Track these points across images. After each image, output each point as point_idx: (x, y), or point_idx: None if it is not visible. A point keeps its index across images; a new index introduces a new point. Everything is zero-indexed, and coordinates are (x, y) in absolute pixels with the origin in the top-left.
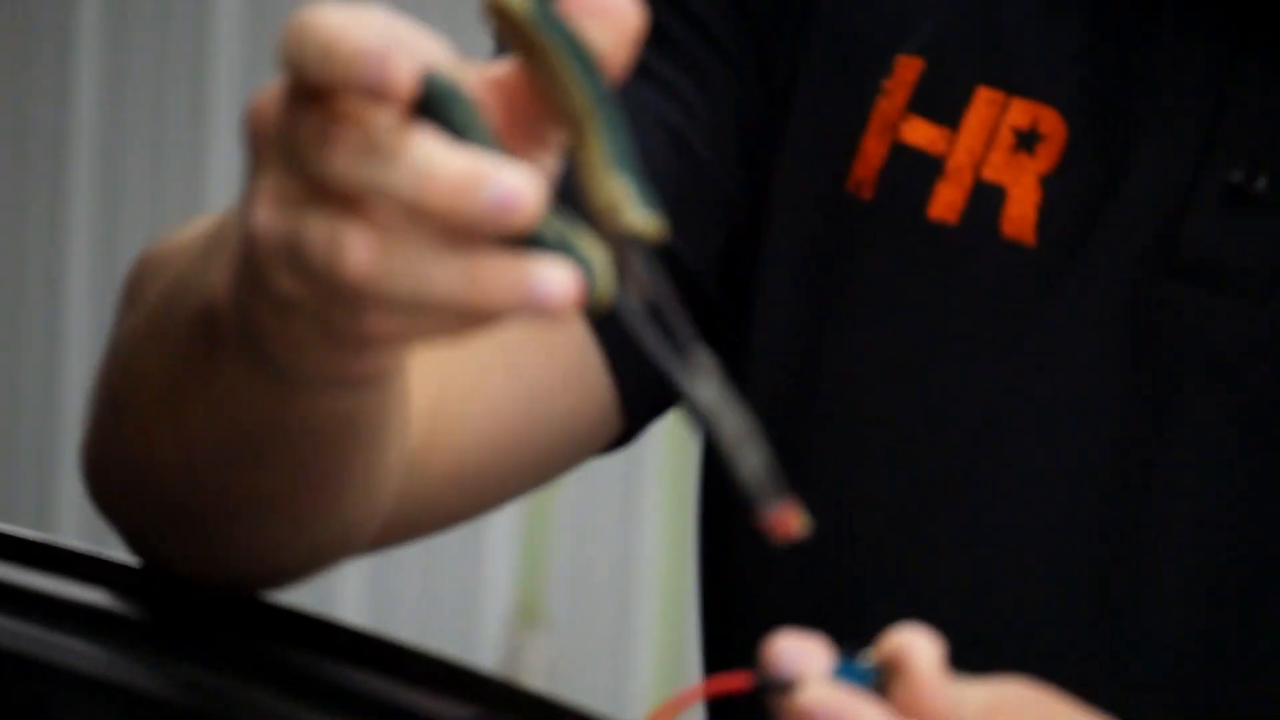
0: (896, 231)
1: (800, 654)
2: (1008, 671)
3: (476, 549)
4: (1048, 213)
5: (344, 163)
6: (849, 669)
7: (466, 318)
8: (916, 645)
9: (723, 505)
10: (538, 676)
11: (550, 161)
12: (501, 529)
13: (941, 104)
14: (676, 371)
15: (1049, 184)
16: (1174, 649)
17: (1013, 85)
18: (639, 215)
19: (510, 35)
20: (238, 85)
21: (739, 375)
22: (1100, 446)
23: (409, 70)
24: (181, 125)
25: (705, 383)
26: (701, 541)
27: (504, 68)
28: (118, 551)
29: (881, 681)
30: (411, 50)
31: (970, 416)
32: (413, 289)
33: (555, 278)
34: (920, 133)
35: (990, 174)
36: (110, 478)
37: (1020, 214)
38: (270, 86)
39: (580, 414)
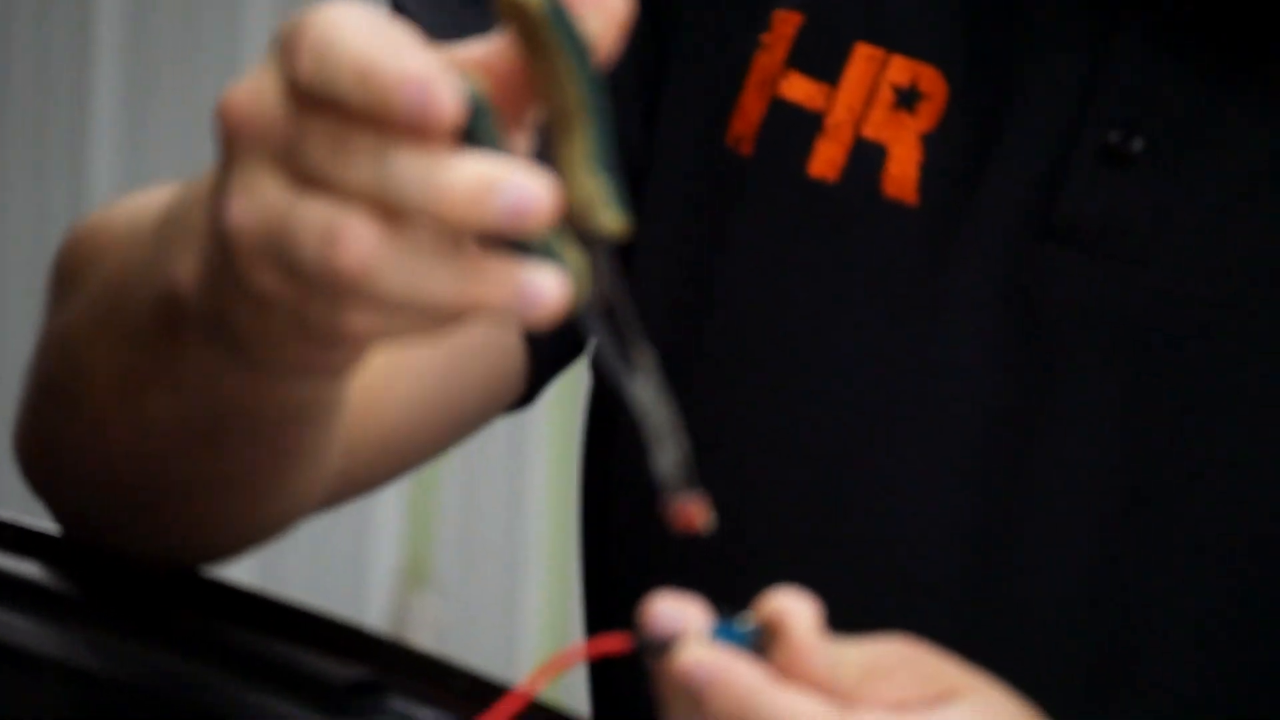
0: (777, 189)
1: (678, 615)
2: (894, 628)
3: (364, 509)
4: (929, 172)
5: (356, 168)
6: (727, 631)
7: (448, 318)
8: (794, 608)
9: (605, 469)
10: (426, 636)
11: (525, 143)
12: (388, 489)
13: (820, 60)
14: (620, 368)
15: (930, 143)
16: (1058, 605)
17: (892, 42)
18: (610, 214)
19: (514, 21)
20: (120, 72)
21: None
22: (985, 408)
23: (454, 101)
24: (64, 114)
25: (643, 380)
26: (584, 505)
27: (489, 49)
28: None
29: (760, 643)
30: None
31: (855, 377)
32: (403, 287)
33: (548, 284)
34: (799, 89)
35: (871, 132)
36: (58, 466)
37: (901, 173)
38: (248, 82)
39: (493, 376)
